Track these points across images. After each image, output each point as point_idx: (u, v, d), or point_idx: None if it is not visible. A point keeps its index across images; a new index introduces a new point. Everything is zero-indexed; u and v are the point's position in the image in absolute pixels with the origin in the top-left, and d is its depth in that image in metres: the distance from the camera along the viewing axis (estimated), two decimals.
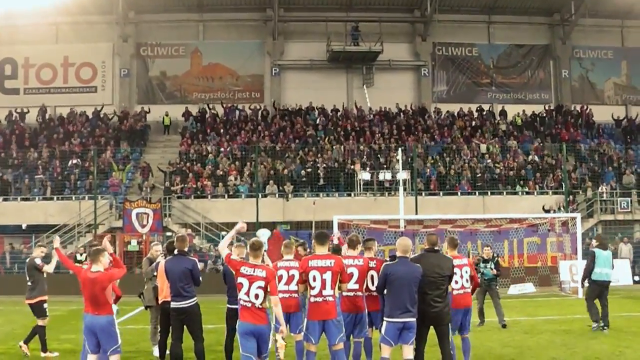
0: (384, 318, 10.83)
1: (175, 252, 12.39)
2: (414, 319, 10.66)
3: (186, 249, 12.48)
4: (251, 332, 10.20)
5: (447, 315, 11.20)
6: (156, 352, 13.99)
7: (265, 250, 13.31)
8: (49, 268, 14.78)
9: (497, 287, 19.90)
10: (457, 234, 31.28)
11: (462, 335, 12.49)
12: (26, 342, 14.74)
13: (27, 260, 15.27)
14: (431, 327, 11.15)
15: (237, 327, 10.45)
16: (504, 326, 18.28)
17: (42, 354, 14.59)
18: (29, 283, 14.89)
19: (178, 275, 12.03)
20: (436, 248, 11.45)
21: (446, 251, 12.54)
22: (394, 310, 10.61)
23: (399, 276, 10.62)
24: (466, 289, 12.52)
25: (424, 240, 19.65)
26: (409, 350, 10.70)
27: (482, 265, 19.22)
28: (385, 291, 10.90)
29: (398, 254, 10.95)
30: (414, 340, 10.81)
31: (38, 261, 14.87)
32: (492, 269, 19.22)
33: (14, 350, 15.18)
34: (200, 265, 16.12)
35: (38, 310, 14.84)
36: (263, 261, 10.70)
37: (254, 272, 10.29)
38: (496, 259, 19.84)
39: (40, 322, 14.79)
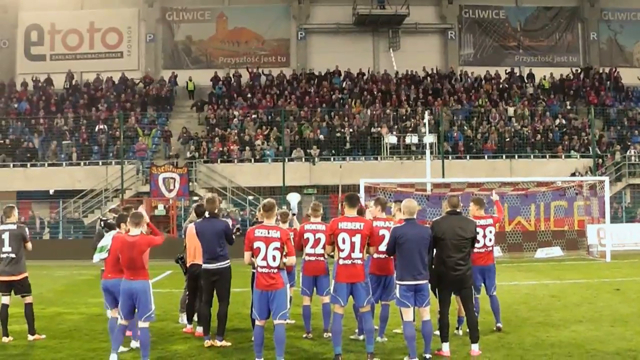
0: (396, 281, 10.80)
1: (207, 214, 12.30)
2: (426, 281, 10.62)
3: (216, 210, 12.29)
4: (266, 298, 10.29)
5: (470, 278, 11.11)
6: (183, 319, 13.79)
7: (294, 214, 13.28)
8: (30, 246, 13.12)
9: None
10: (484, 197, 31.27)
11: (489, 293, 12.51)
12: (32, 332, 12.82)
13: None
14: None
15: (252, 292, 10.53)
16: None
17: (30, 337, 12.79)
18: (13, 255, 12.73)
19: (211, 236, 11.91)
20: (458, 210, 11.33)
21: (473, 211, 12.56)
22: (406, 273, 10.54)
23: (408, 238, 10.52)
24: (488, 248, 12.47)
25: None
26: (425, 312, 10.64)
27: None
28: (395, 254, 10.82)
29: (405, 216, 10.83)
30: (429, 301, 10.71)
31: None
32: None
33: (41, 314, 14.20)
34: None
35: (27, 286, 13.01)
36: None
37: (268, 233, 10.32)
38: None
39: (28, 300, 12.93)
